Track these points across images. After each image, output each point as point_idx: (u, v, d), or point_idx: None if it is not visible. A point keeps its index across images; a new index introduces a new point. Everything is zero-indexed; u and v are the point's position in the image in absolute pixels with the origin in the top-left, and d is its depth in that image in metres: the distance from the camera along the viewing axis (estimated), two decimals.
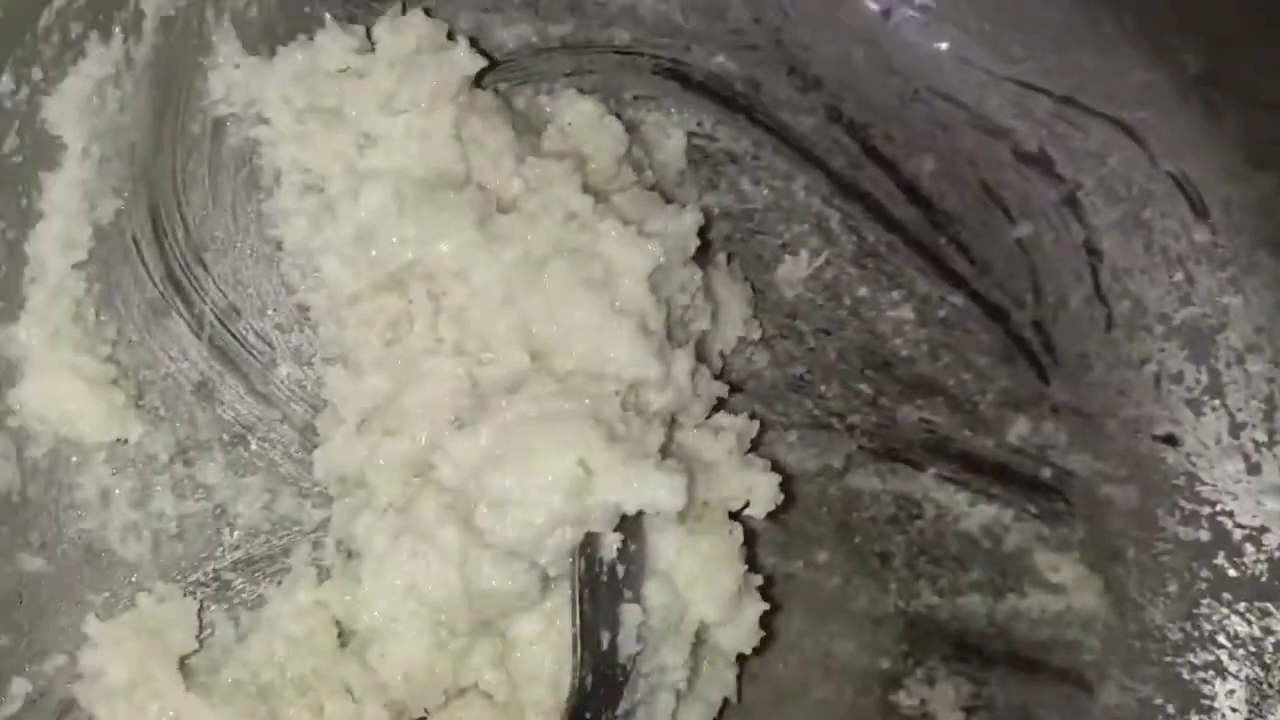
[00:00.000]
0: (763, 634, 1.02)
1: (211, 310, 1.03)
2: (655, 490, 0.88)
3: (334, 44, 0.98)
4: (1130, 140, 1.09)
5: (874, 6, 1.12)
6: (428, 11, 1.00)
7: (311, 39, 0.99)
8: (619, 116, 1.10)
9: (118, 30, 0.92)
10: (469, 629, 0.93)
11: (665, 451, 0.94)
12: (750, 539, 1.06)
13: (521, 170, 0.98)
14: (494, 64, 1.06)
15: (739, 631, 0.98)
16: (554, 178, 0.97)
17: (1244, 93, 1.05)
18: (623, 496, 0.87)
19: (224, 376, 1.04)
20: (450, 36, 1.00)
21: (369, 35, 1.00)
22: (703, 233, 1.07)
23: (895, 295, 1.16)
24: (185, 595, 1.01)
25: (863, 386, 1.16)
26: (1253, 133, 1.05)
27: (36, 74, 0.88)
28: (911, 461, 1.16)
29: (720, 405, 1.06)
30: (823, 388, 1.16)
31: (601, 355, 0.93)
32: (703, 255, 1.09)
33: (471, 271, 0.94)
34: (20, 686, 0.94)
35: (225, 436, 1.04)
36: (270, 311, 1.05)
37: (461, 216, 0.94)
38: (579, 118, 1.05)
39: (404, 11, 1.00)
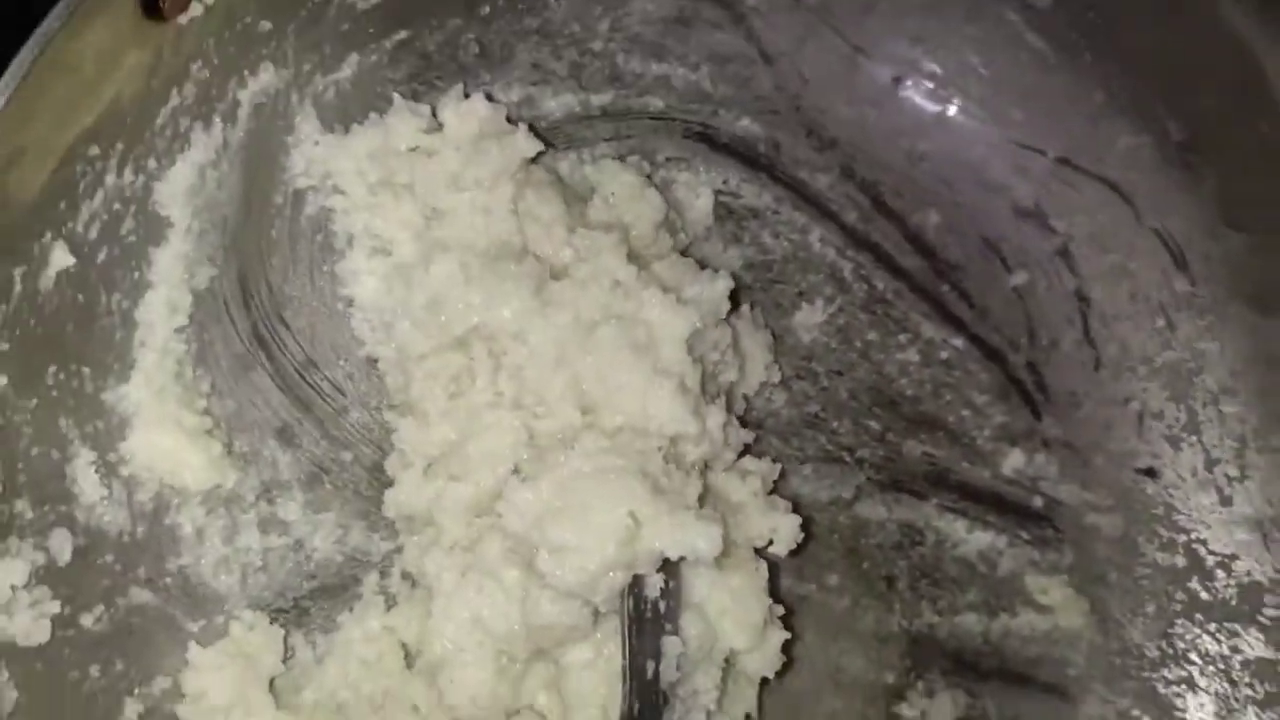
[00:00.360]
0: (784, 659, 1.07)
1: (291, 362, 1.10)
2: (695, 539, 0.95)
3: (403, 124, 1.05)
4: (1119, 198, 1.13)
5: (886, 74, 1.18)
6: (489, 95, 1.08)
7: (382, 117, 1.07)
8: (651, 178, 1.17)
9: (218, 119, 0.99)
10: (527, 657, 1.00)
11: (702, 500, 1.01)
12: (769, 565, 1.11)
13: (572, 240, 1.05)
14: (540, 132, 1.12)
15: (764, 657, 1.06)
16: (602, 248, 1.04)
17: (1222, 158, 1.08)
18: (667, 544, 0.95)
19: (302, 422, 1.11)
20: (509, 119, 1.08)
21: (434, 113, 1.07)
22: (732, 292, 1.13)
23: (902, 338, 1.21)
24: (271, 622, 1.07)
25: (871, 423, 1.21)
26: (1229, 195, 1.08)
27: (151, 164, 0.95)
28: (915, 492, 1.21)
29: (746, 449, 1.13)
30: (835, 424, 1.21)
31: (645, 413, 1.00)
32: (729, 306, 1.14)
33: (529, 334, 1.01)
34: (133, 707, 1.00)
35: (303, 477, 1.11)
36: (342, 363, 1.12)
37: (521, 285, 1.01)
38: (621, 189, 1.12)
39: (466, 93, 1.07)
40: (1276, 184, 1.07)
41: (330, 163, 1.07)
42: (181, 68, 0.94)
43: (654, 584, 0.99)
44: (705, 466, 1.07)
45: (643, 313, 1.03)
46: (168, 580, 1.03)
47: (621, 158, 1.19)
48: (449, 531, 1.03)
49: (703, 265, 1.16)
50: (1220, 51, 1.04)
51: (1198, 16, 1.04)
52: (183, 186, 0.98)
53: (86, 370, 0.96)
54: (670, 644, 0.99)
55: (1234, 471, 1.13)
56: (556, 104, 1.17)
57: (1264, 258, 1.09)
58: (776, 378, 1.21)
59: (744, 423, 1.17)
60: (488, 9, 1.11)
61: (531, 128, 1.10)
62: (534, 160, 1.10)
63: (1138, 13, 1.07)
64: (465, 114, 1.05)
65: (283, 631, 1.07)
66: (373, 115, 1.08)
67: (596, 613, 0.99)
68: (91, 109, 0.87)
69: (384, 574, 1.13)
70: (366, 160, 1.06)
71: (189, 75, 0.95)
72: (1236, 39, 1.03)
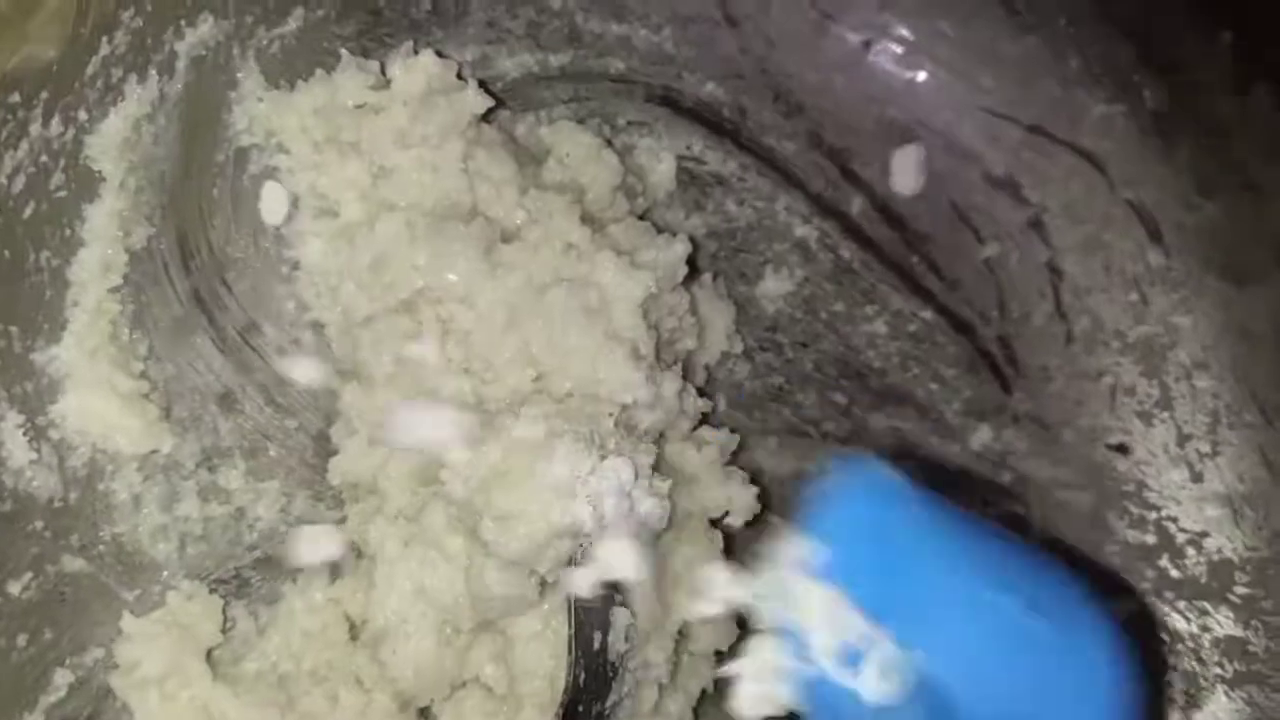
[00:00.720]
0: (739, 632, 1.06)
1: (233, 326, 1.08)
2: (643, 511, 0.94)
3: (351, 81, 1.03)
4: (1092, 168, 1.12)
5: (855, 38, 1.15)
6: (438, 51, 1.05)
7: (329, 74, 1.04)
8: (612, 142, 1.15)
9: (153, 71, 0.96)
10: (472, 627, 0.98)
11: (656, 469, 0.99)
12: (727, 538, 1.10)
13: (524, 202, 1.03)
14: (496, 94, 1.10)
15: (717, 630, 1.05)
16: (554, 210, 1.02)
17: (1197, 128, 1.07)
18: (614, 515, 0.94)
19: (245, 388, 1.08)
20: (459, 75, 1.05)
21: (383, 70, 1.05)
22: (690, 255, 1.11)
23: (869, 310, 1.19)
24: (210, 592, 1.05)
25: (837, 396, 1.20)
26: (1204, 164, 1.07)
27: (81, 116, 0.92)
28: None
29: (704, 419, 1.11)
30: (800, 397, 1.21)
31: (596, 378, 0.98)
32: (689, 273, 1.13)
33: (477, 297, 0.99)
34: (63, 677, 0.98)
35: (246, 444, 1.08)
36: (287, 327, 1.10)
37: (470, 247, 0.99)
38: (577, 150, 1.10)
39: (416, 50, 1.05)
40: (1251, 149, 1.05)
41: (274, 120, 1.04)
42: (112, 15, 0.91)
43: None
44: (660, 435, 1.05)
45: (595, 276, 1.00)
46: (101, 548, 1.01)
47: (581, 120, 1.16)
48: (393, 500, 1.01)
49: (662, 231, 1.13)
50: (1198, 16, 1.03)
51: None
52: (116, 140, 0.95)
53: (14, 329, 0.93)
54: (619, 615, 0.97)
55: (1205, 447, 1.11)
56: (513, 64, 1.15)
57: (1237, 227, 1.08)
58: (739, 348, 1.20)
59: (705, 394, 1.15)
60: None
61: (487, 88, 1.07)
62: (487, 120, 1.08)
63: None
64: (414, 69, 1.03)
65: (222, 602, 1.05)
66: (319, 72, 1.05)
67: (544, 583, 0.97)
68: (10, 52, 0.84)
69: None
70: (312, 117, 1.03)
71: (120, 23, 0.92)
72: (1215, 4, 1.01)
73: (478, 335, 1.00)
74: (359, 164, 1.04)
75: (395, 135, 1.02)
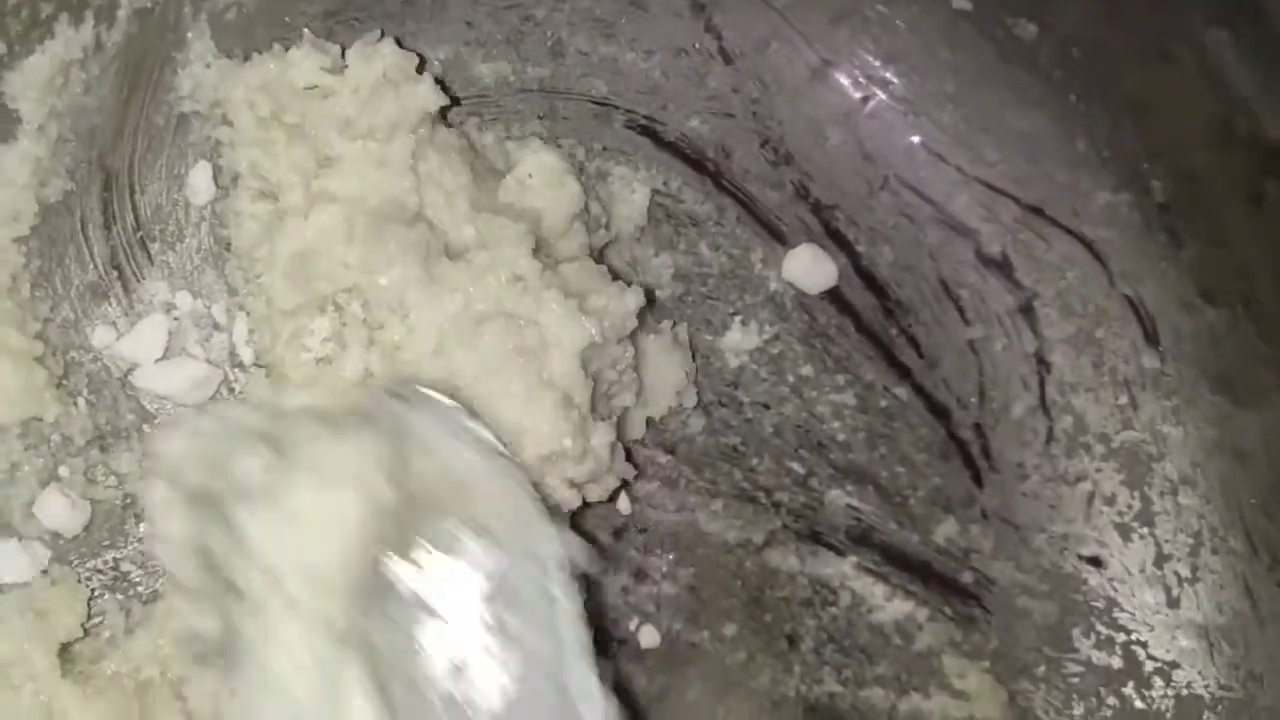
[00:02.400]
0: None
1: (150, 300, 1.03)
2: None
3: (306, 59, 0.98)
4: (1091, 257, 1.09)
5: (853, 91, 1.12)
6: (399, 42, 1.00)
7: (286, 50, 1.00)
8: (585, 166, 1.11)
9: (90, 15, 0.93)
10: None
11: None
12: (659, 602, 1.08)
13: (476, 221, 0.98)
14: (462, 100, 1.07)
15: None
16: (506, 238, 0.97)
17: (1205, 226, 1.04)
18: None
19: None
20: (421, 69, 1.00)
21: (344, 56, 1.00)
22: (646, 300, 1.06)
23: (840, 379, 1.14)
24: (79, 581, 0.99)
25: (794, 465, 1.15)
26: (1210, 267, 1.05)
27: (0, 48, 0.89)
28: (833, 547, 1.14)
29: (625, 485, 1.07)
30: (754, 461, 1.15)
31: (520, 423, 0.93)
32: (645, 318, 1.08)
33: (410, 310, 0.94)
34: None
35: (147, 428, 1.03)
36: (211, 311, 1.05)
37: (408, 251, 0.94)
38: (540, 172, 1.04)
39: (381, 37, 1.00)
40: (1261, 260, 1.03)
41: (221, 90, 1.00)
42: None
43: None
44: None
45: (539, 315, 0.95)
46: None
47: (556, 139, 1.12)
48: None
49: (631, 267, 1.10)
50: (1216, 110, 1.00)
51: (1194, 68, 1.00)
52: (38, 80, 0.92)
53: None
54: None
55: (1185, 571, 1.09)
56: (488, 70, 1.10)
57: (1239, 341, 1.06)
58: (691, 402, 1.14)
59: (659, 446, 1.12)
60: None
61: (449, 92, 1.03)
62: (448, 124, 1.04)
63: (1126, 55, 1.04)
64: (370, 56, 0.97)
65: (88, 592, 1.00)
66: (276, 48, 1.01)
67: None
68: None
69: None
70: (259, 91, 0.98)
71: None
72: (1235, 97, 0.99)
73: (405, 354, 0.95)
74: (306, 150, 0.99)
75: (340, 123, 0.97)
